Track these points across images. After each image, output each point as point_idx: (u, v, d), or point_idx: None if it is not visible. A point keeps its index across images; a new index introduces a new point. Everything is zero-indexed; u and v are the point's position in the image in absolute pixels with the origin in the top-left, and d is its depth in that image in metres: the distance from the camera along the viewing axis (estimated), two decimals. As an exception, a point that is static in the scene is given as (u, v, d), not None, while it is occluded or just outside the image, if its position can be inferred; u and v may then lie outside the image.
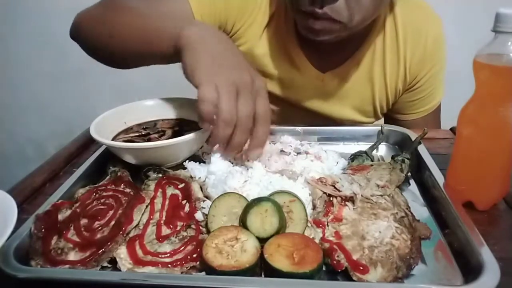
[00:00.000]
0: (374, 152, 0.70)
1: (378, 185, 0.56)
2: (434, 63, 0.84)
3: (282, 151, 0.69)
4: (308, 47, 0.82)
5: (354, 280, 0.43)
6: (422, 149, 0.66)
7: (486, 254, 0.43)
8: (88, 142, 0.80)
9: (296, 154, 0.68)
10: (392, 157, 0.64)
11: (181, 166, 0.66)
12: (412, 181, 0.63)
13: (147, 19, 0.70)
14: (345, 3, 0.64)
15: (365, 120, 0.91)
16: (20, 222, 0.48)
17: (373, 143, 0.71)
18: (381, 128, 0.74)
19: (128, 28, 0.70)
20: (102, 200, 0.56)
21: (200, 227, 0.51)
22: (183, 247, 0.48)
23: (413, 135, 0.71)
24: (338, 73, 0.84)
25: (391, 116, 0.94)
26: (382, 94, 0.86)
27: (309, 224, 0.50)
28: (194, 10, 0.75)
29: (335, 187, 0.56)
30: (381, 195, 0.54)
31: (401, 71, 0.83)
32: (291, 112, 0.90)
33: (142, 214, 0.53)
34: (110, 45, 0.73)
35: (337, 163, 0.65)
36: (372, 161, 0.65)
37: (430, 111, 0.90)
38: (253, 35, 0.82)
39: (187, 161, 0.66)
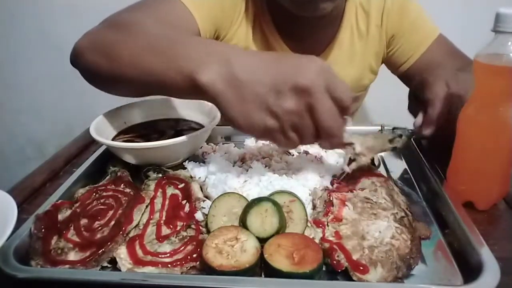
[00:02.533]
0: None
1: (356, 153, 0.56)
2: (401, 10, 0.87)
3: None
4: (290, 39, 0.85)
5: (354, 280, 0.43)
6: (422, 149, 0.66)
7: (486, 254, 0.43)
8: (88, 142, 0.80)
9: (298, 153, 0.68)
10: (393, 128, 0.65)
11: (181, 166, 0.66)
12: (412, 181, 0.63)
13: (154, 50, 0.55)
14: None
15: (355, 94, 0.95)
16: (20, 222, 0.48)
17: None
18: (381, 128, 0.74)
19: (133, 57, 0.56)
20: (102, 200, 0.56)
21: (200, 227, 0.51)
22: (183, 247, 0.48)
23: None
24: (322, 59, 0.85)
25: (407, 76, 0.91)
26: (367, 64, 0.91)
27: (309, 224, 0.50)
28: (195, 15, 0.73)
29: None
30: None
31: (376, 33, 0.88)
32: None
33: (142, 214, 0.53)
34: (110, 72, 0.59)
35: (337, 163, 0.65)
36: (373, 163, 0.64)
37: (429, 39, 0.87)
38: (242, 35, 0.84)
39: (187, 161, 0.66)
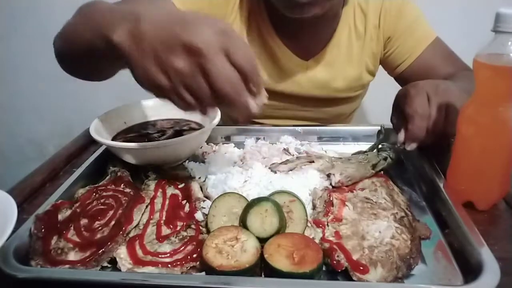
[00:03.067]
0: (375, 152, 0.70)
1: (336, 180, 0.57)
2: (398, 12, 0.87)
3: (284, 150, 0.69)
4: (287, 38, 0.84)
5: (354, 280, 0.43)
6: (422, 149, 0.66)
7: (486, 254, 0.43)
8: (88, 142, 0.80)
9: (298, 153, 0.68)
10: (378, 150, 0.64)
11: (181, 166, 0.66)
12: (412, 181, 0.63)
13: (92, 23, 0.55)
14: None
15: (353, 94, 0.95)
16: (20, 222, 0.48)
17: (373, 143, 0.71)
18: (381, 128, 0.74)
19: (79, 35, 0.58)
20: (102, 200, 0.56)
21: (200, 227, 0.51)
22: (183, 247, 0.48)
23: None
24: (320, 59, 0.87)
25: (402, 78, 0.91)
26: (365, 66, 0.90)
27: (309, 224, 0.50)
28: (178, 7, 0.73)
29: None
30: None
31: (374, 35, 0.88)
32: (282, 102, 0.91)
33: (142, 214, 0.53)
34: (71, 52, 0.62)
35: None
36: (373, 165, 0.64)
37: (425, 42, 0.87)
38: (237, 32, 0.82)
39: (187, 161, 0.66)
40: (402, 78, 0.91)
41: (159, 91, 0.47)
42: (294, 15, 0.73)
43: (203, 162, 0.67)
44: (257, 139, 0.75)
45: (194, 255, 0.47)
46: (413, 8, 0.89)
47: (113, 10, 0.55)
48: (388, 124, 0.71)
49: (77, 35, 0.58)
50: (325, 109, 0.94)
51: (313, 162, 0.61)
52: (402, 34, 0.88)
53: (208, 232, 0.50)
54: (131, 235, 0.50)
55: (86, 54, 0.58)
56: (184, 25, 0.45)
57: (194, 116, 0.76)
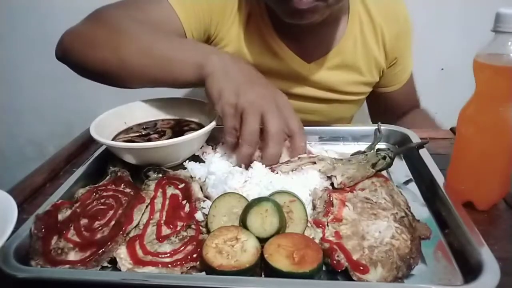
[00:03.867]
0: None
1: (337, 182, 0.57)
2: (407, 37, 0.92)
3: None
4: (290, 40, 0.84)
5: (354, 280, 0.43)
6: (422, 149, 0.66)
7: (486, 254, 0.43)
8: (88, 142, 0.80)
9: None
10: (377, 150, 0.65)
11: (181, 166, 0.66)
12: (412, 181, 0.63)
13: (156, 45, 0.68)
14: None
15: (355, 98, 0.96)
16: (20, 222, 0.48)
17: (371, 143, 0.71)
18: (378, 127, 0.74)
19: (139, 55, 0.67)
20: (102, 200, 0.56)
21: (200, 227, 0.51)
22: (183, 247, 0.48)
23: (414, 136, 0.71)
24: (322, 63, 0.87)
25: (374, 90, 0.98)
26: (368, 76, 0.91)
27: (309, 224, 0.50)
28: (180, 16, 0.76)
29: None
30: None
31: (382, 51, 0.89)
32: None
33: (142, 214, 0.53)
34: (120, 71, 0.69)
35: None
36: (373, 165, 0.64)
37: (407, 79, 0.98)
38: (235, 35, 0.83)
39: (187, 161, 0.66)
40: (375, 95, 0.98)
41: (222, 108, 0.61)
42: (293, 21, 0.73)
43: (203, 162, 0.66)
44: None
45: (194, 255, 0.47)
46: (411, 26, 0.92)
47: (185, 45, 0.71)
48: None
49: (166, 67, 0.67)
50: (326, 111, 0.94)
51: (314, 163, 0.61)
52: (401, 57, 0.92)
53: (208, 232, 0.50)
54: (131, 235, 0.50)
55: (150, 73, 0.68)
56: (261, 79, 0.66)
57: (194, 116, 0.76)
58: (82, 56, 0.72)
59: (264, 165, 0.60)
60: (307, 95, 0.90)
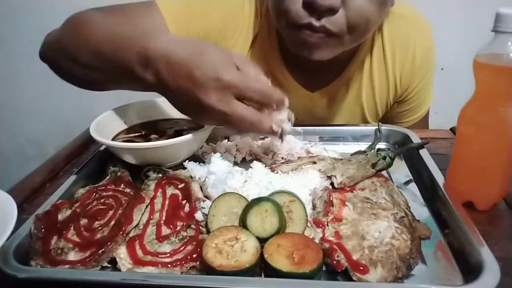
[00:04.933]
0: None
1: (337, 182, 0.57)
2: (424, 73, 0.84)
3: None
4: (294, 67, 0.81)
5: (354, 280, 0.43)
6: (422, 149, 0.66)
7: (486, 254, 0.43)
8: (88, 142, 0.80)
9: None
10: (377, 150, 0.65)
11: (181, 166, 0.66)
12: (412, 181, 0.63)
13: (106, 52, 0.61)
14: (344, 15, 0.62)
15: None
16: (20, 222, 0.48)
17: (371, 143, 0.71)
18: (378, 127, 0.74)
19: (90, 60, 0.63)
20: (102, 200, 0.56)
21: (200, 227, 0.51)
22: (183, 247, 0.48)
23: (414, 136, 0.71)
24: (326, 92, 0.83)
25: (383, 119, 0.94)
26: (372, 110, 0.87)
27: (309, 224, 0.50)
28: (169, 26, 0.73)
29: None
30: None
31: (391, 85, 0.83)
32: None
33: (142, 214, 0.53)
34: (81, 75, 0.66)
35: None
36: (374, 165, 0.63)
37: (418, 119, 0.90)
38: None
39: (187, 161, 0.66)
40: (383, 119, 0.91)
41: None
42: (301, 54, 0.69)
43: (203, 162, 0.67)
44: (261, 138, 0.74)
45: (194, 255, 0.46)
46: (433, 63, 0.84)
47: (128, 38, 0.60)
48: (385, 123, 0.71)
49: (94, 50, 0.62)
50: None
51: (314, 163, 0.61)
52: (415, 95, 0.85)
53: (208, 232, 0.50)
54: (131, 235, 0.50)
55: (106, 67, 0.62)
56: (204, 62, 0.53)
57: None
58: (53, 59, 0.73)
59: (264, 165, 0.60)
60: (307, 123, 0.86)
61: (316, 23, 0.63)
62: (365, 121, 0.88)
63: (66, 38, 0.68)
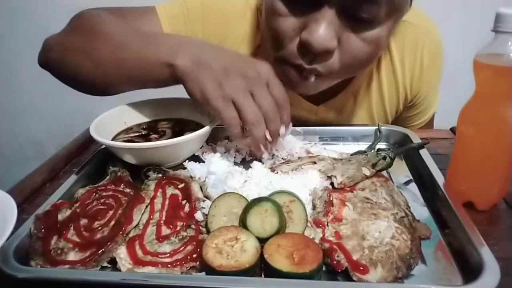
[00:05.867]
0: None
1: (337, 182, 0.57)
2: (432, 77, 0.83)
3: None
4: None
5: (354, 280, 0.43)
6: (422, 149, 0.66)
7: (486, 254, 0.43)
8: (88, 142, 0.80)
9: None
10: (377, 150, 0.64)
11: (181, 166, 0.66)
12: (412, 181, 0.63)
13: (131, 48, 0.63)
14: (338, 59, 0.61)
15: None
16: (20, 222, 0.48)
17: (371, 143, 0.71)
18: (379, 127, 0.74)
19: (112, 58, 0.63)
20: (102, 200, 0.56)
21: (200, 227, 0.51)
22: (183, 247, 0.48)
23: (414, 136, 0.71)
24: (332, 105, 0.82)
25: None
26: (381, 118, 0.85)
27: (309, 224, 0.50)
28: (164, 31, 0.73)
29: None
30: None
31: (401, 93, 0.82)
32: None
33: (142, 214, 0.53)
34: (95, 75, 0.66)
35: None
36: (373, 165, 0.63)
37: (425, 122, 0.90)
38: None
39: (187, 161, 0.66)
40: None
41: (209, 100, 0.57)
42: (297, 92, 0.70)
43: (203, 162, 0.67)
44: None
45: (194, 255, 0.46)
46: (441, 65, 0.83)
47: (159, 37, 0.64)
48: (386, 123, 0.71)
49: (112, 58, 0.63)
50: None
51: (315, 163, 0.61)
52: (422, 99, 0.84)
53: (208, 232, 0.50)
54: (131, 235, 0.50)
55: (123, 75, 0.64)
56: (241, 60, 0.59)
57: (194, 116, 0.76)
58: (60, 63, 0.70)
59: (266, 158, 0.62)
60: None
61: (306, 65, 0.62)
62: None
63: (80, 34, 0.68)
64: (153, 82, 0.64)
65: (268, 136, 0.59)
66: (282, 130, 0.60)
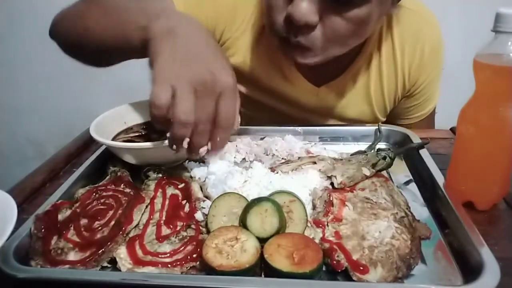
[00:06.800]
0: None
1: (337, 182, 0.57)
2: (432, 68, 0.83)
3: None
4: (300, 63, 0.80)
5: (354, 280, 0.43)
6: (422, 149, 0.66)
7: (486, 254, 0.43)
8: (88, 142, 0.80)
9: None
10: (377, 150, 0.64)
11: (181, 166, 0.66)
12: (412, 181, 0.63)
13: (123, 12, 0.66)
14: (320, 32, 0.62)
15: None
16: (20, 222, 0.48)
17: (371, 143, 0.71)
18: (378, 127, 0.74)
19: (102, 21, 0.67)
20: (102, 200, 0.56)
21: (200, 227, 0.51)
22: (183, 247, 0.48)
23: (414, 136, 0.71)
24: (333, 87, 0.82)
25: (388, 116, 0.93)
26: (380, 105, 0.85)
27: (309, 224, 0.50)
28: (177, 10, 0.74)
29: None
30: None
31: (400, 80, 0.82)
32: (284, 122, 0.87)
33: (142, 214, 0.53)
34: (83, 39, 0.70)
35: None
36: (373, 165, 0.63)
37: (425, 116, 0.90)
38: (244, 46, 0.80)
39: (187, 161, 0.66)
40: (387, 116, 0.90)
41: (154, 77, 0.53)
42: (295, 60, 0.70)
43: (203, 162, 0.66)
44: (261, 138, 0.74)
45: (194, 255, 0.47)
46: (442, 58, 0.84)
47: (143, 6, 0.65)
48: (386, 123, 0.71)
49: (99, 23, 0.66)
50: None
51: (315, 163, 0.61)
52: (421, 90, 0.85)
53: (208, 232, 0.50)
54: (131, 235, 0.50)
55: (106, 41, 0.66)
56: (209, 55, 0.56)
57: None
58: (64, 32, 0.74)
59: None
60: (314, 119, 0.86)
61: (292, 39, 0.63)
62: (374, 116, 0.87)
63: (86, 3, 0.73)
64: (129, 47, 0.64)
65: (185, 144, 0.54)
66: (203, 149, 0.56)
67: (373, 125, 0.76)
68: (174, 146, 0.55)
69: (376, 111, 0.86)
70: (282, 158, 0.67)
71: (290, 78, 0.82)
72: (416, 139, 0.70)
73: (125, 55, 0.70)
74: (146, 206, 0.55)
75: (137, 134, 0.72)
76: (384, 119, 0.89)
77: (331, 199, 0.54)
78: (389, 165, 0.63)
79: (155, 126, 0.55)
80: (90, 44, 0.70)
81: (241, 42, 0.80)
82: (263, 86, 0.83)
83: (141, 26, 0.59)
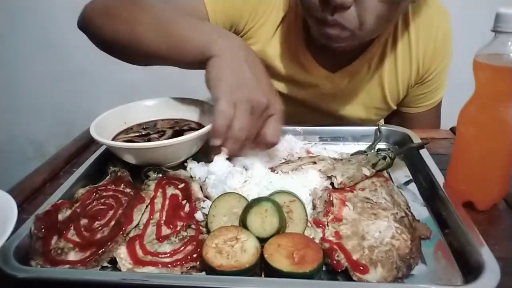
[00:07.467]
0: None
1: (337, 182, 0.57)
2: (444, 56, 0.85)
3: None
4: (315, 47, 0.82)
5: (354, 280, 0.43)
6: (422, 149, 0.66)
7: (486, 254, 0.43)
8: (88, 142, 0.80)
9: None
10: (377, 150, 0.64)
11: (181, 166, 0.66)
12: (412, 181, 0.63)
13: (173, 24, 0.67)
14: (356, 12, 0.65)
15: (375, 118, 0.92)
16: (20, 222, 0.48)
17: (371, 143, 0.71)
18: (379, 127, 0.74)
19: (156, 30, 0.67)
20: (102, 200, 0.56)
21: (200, 227, 0.51)
22: (183, 247, 0.48)
23: (414, 136, 0.71)
24: (347, 72, 0.84)
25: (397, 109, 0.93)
26: (393, 91, 0.87)
27: (309, 224, 0.50)
28: (207, 6, 0.76)
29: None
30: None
31: (414, 66, 0.84)
32: (300, 111, 0.90)
33: (142, 214, 0.53)
34: (126, 41, 0.69)
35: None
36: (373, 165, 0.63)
37: (434, 105, 0.91)
38: (264, 35, 0.83)
39: (187, 161, 0.66)
40: (393, 111, 0.92)
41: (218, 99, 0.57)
42: (326, 44, 0.73)
43: (203, 162, 0.66)
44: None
45: (194, 255, 0.47)
46: (451, 47, 0.86)
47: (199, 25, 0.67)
48: (386, 124, 0.71)
49: (173, 44, 0.66)
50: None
51: (315, 163, 0.61)
52: (433, 78, 0.87)
53: (208, 232, 0.50)
54: (131, 235, 0.50)
55: (161, 50, 0.67)
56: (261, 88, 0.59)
57: (194, 116, 0.76)
58: (100, 27, 0.72)
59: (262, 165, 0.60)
60: (329, 106, 0.88)
61: (329, 17, 0.66)
62: (386, 104, 0.88)
63: (124, 3, 0.72)
64: (182, 60, 0.67)
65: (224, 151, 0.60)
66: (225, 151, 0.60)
67: (373, 125, 0.76)
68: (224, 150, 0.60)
69: (388, 97, 0.87)
70: (283, 158, 0.67)
71: (305, 65, 0.84)
72: (416, 139, 0.70)
73: (172, 64, 0.70)
74: (146, 206, 0.55)
75: (137, 134, 0.72)
76: (395, 108, 0.91)
77: (331, 199, 0.54)
78: (389, 165, 0.63)
79: (211, 138, 0.59)
80: (136, 48, 0.69)
81: (262, 31, 0.82)
82: (280, 73, 0.86)
83: (202, 44, 0.62)
